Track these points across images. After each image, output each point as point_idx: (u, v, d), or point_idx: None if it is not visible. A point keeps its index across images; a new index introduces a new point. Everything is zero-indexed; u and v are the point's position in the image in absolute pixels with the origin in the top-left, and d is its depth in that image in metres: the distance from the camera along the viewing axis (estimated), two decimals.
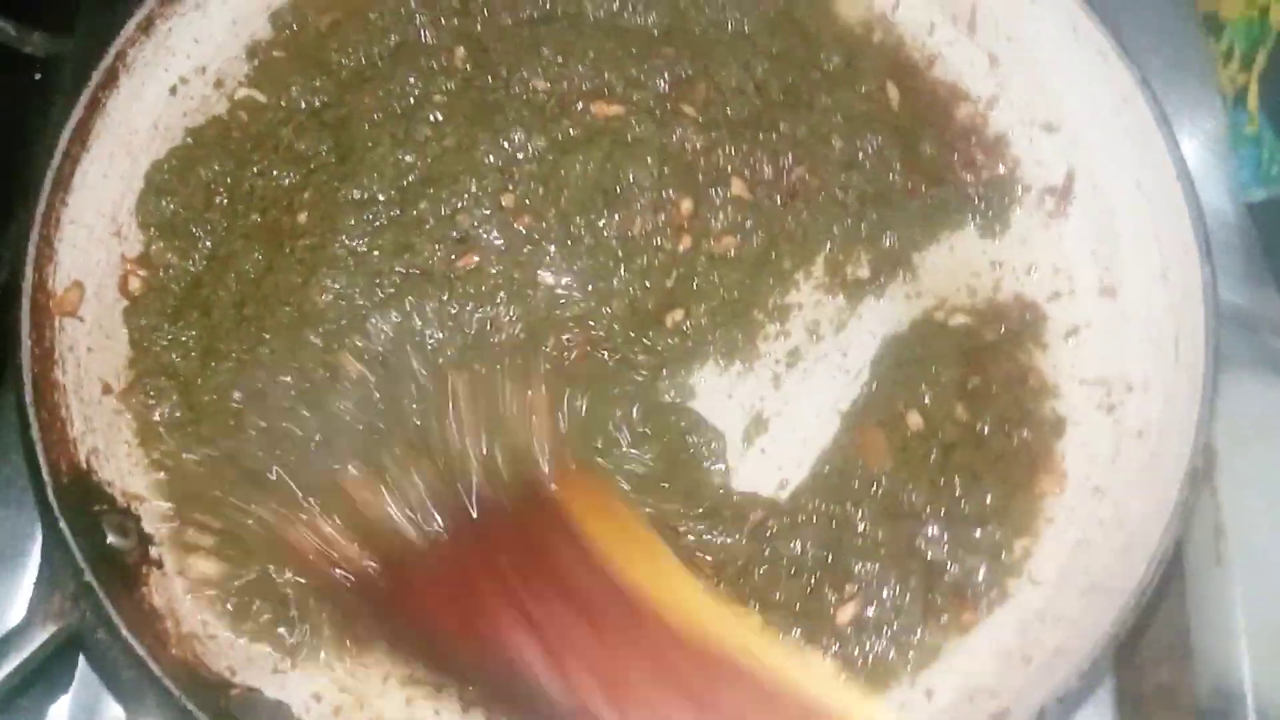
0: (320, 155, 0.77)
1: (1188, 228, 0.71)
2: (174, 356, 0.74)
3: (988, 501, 0.71)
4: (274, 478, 0.69)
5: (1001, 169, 0.80)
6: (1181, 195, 0.72)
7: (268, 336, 0.72)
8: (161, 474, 0.71)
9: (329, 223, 0.74)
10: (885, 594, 0.70)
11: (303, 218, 0.75)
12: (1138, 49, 0.77)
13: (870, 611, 0.69)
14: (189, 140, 0.79)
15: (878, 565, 0.70)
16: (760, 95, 0.79)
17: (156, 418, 0.72)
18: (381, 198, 0.74)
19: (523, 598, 0.63)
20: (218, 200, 0.78)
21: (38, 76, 0.92)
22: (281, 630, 0.67)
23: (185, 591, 0.68)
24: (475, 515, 0.68)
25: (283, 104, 0.79)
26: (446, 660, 0.66)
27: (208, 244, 0.77)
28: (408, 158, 0.75)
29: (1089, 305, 0.77)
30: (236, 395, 0.71)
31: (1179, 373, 0.70)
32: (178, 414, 0.72)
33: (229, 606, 0.68)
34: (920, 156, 0.80)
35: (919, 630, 0.69)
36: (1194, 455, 0.66)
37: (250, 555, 0.68)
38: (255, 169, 0.77)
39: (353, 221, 0.73)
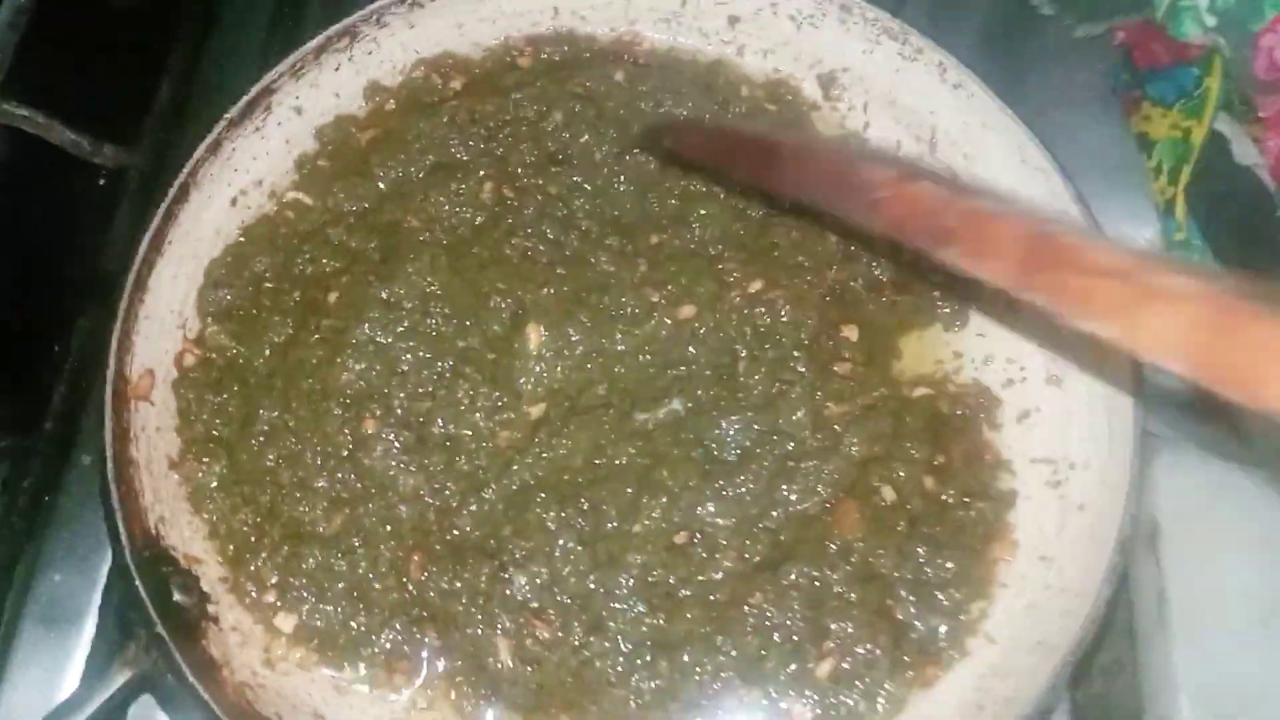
0: (367, 251, 0.87)
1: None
2: (217, 423, 0.82)
3: (949, 567, 0.79)
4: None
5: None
6: None
7: (294, 405, 0.81)
8: (214, 538, 0.81)
9: (355, 310, 0.83)
10: (859, 650, 0.77)
11: (333, 298, 0.85)
12: (1080, 164, 0.88)
13: (846, 665, 0.76)
14: (242, 239, 0.89)
15: (851, 625, 0.77)
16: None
17: (204, 480, 0.81)
18: (408, 305, 0.84)
19: None
20: (266, 285, 0.87)
21: (103, 183, 1.02)
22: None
23: (238, 644, 0.77)
24: None
25: (328, 206, 0.89)
26: None
27: (257, 326, 0.86)
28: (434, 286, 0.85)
29: (1038, 392, 0.85)
30: (270, 456, 0.81)
31: (1112, 453, 0.79)
32: (224, 474, 0.81)
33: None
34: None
35: (888, 683, 0.77)
36: (1123, 526, 0.76)
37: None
38: (303, 257, 0.87)
39: (376, 314, 0.83)
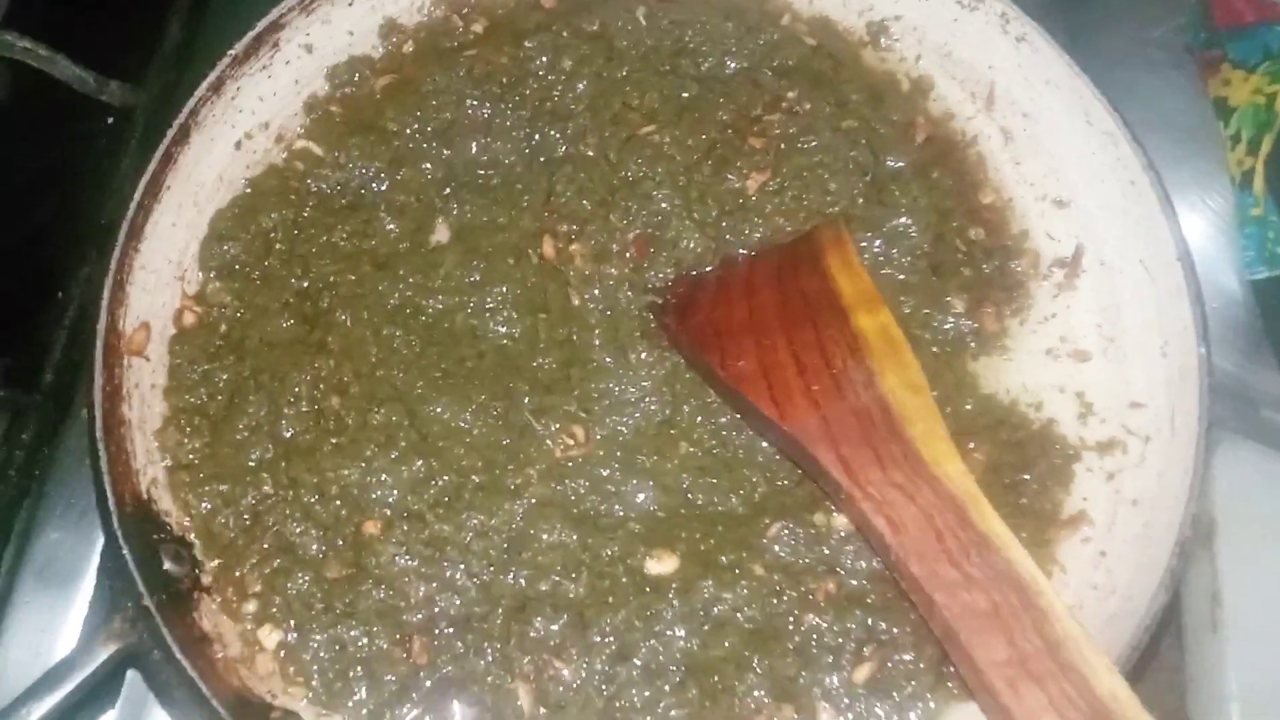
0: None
1: (1187, 307, 0.75)
2: (203, 394, 0.78)
3: None
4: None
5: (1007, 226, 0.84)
6: (1182, 275, 0.75)
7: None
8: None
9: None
10: (902, 658, 0.72)
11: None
12: (1149, 127, 0.81)
13: (885, 671, 0.71)
14: (249, 190, 0.84)
15: (896, 628, 0.72)
16: None
17: (185, 457, 0.76)
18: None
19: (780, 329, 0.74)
20: (277, 246, 0.82)
21: (109, 123, 0.98)
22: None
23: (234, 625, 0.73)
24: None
25: (340, 162, 0.84)
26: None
27: (263, 289, 0.81)
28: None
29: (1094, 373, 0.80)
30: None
31: (1173, 445, 0.74)
32: (203, 453, 0.76)
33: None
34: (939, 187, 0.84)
35: (929, 695, 0.71)
36: (1183, 525, 0.70)
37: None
38: (314, 230, 0.83)
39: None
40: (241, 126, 0.84)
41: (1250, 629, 0.77)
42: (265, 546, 0.73)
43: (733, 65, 0.87)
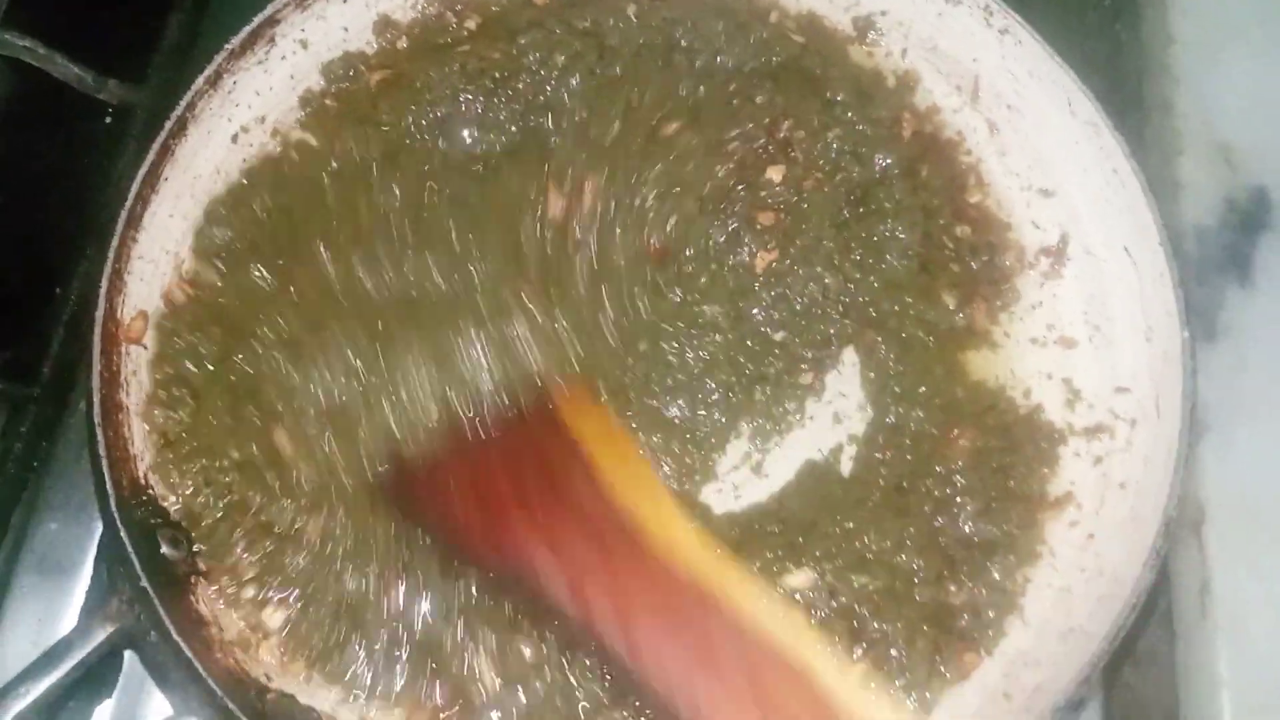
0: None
1: (1169, 292, 0.76)
2: (189, 364, 0.79)
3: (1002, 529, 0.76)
4: None
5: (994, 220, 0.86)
6: (1164, 261, 0.76)
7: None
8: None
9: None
10: (895, 654, 0.73)
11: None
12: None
13: (880, 669, 0.72)
14: (245, 180, 0.85)
15: (889, 625, 0.73)
16: None
17: (169, 434, 0.77)
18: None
19: (539, 513, 0.68)
20: (264, 224, 0.83)
21: (109, 121, 0.99)
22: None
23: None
24: (493, 431, 0.74)
25: (335, 151, 0.85)
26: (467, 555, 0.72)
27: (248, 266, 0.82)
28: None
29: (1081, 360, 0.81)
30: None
31: (1159, 429, 0.75)
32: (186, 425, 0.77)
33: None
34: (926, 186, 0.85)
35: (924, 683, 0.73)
36: (1169, 507, 0.71)
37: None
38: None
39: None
40: (238, 120, 0.85)
41: (1240, 616, 0.76)
42: (249, 528, 0.74)
43: (725, 62, 0.88)
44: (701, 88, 0.87)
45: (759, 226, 0.83)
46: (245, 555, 0.74)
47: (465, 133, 0.85)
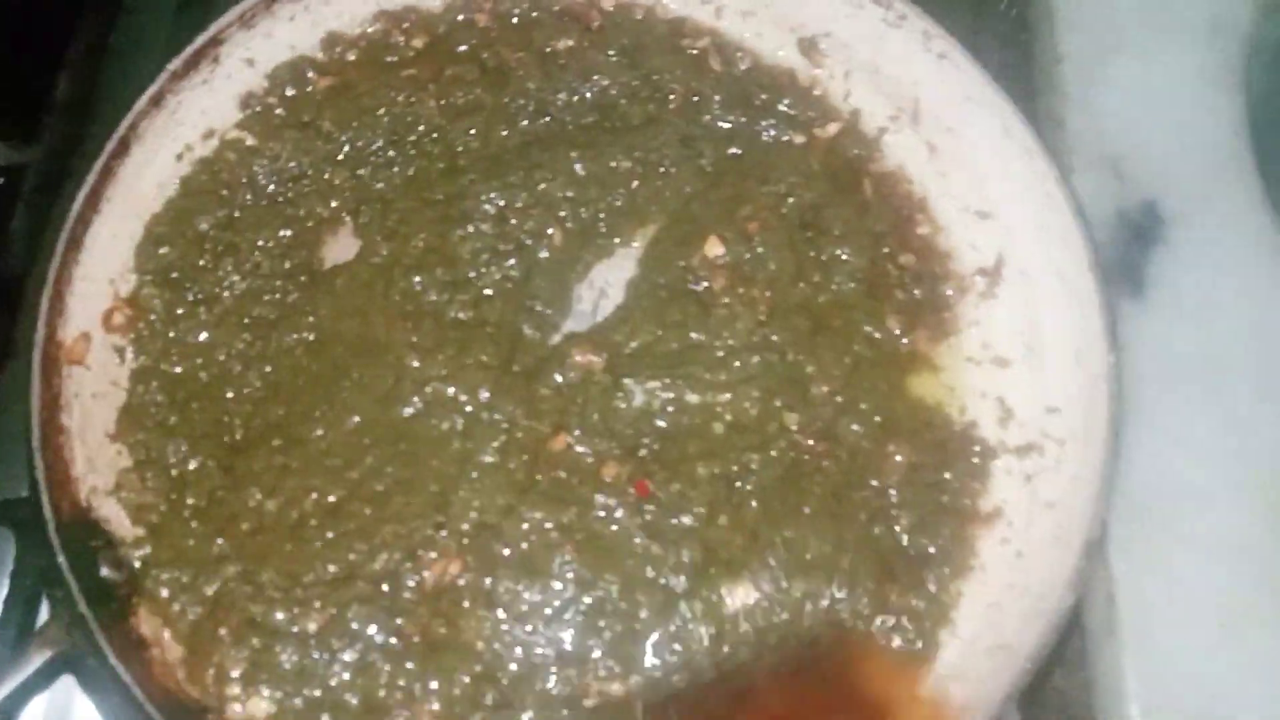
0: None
1: (1097, 315, 0.78)
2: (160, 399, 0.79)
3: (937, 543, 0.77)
4: None
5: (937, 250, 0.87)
6: (1094, 284, 0.78)
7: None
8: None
9: None
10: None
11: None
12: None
13: None
14: (182, 191, 0.85)
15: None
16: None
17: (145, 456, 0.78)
18: None
19: None
20: (209, 253, 0.83)
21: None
22: None
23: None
24: None
25: (274, 152, 0.86)
26: None
27: (194, 294, 0.82)
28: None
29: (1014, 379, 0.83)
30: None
31: (1086, 449, 0.76)
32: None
33: None
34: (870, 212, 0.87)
35: None
36: (1092, 527, 0.72)
37: None
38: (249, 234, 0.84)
39: None
40: (183, 139, 0.85)
41: (1145, 629, 0.77)
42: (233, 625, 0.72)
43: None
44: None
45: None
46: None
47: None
